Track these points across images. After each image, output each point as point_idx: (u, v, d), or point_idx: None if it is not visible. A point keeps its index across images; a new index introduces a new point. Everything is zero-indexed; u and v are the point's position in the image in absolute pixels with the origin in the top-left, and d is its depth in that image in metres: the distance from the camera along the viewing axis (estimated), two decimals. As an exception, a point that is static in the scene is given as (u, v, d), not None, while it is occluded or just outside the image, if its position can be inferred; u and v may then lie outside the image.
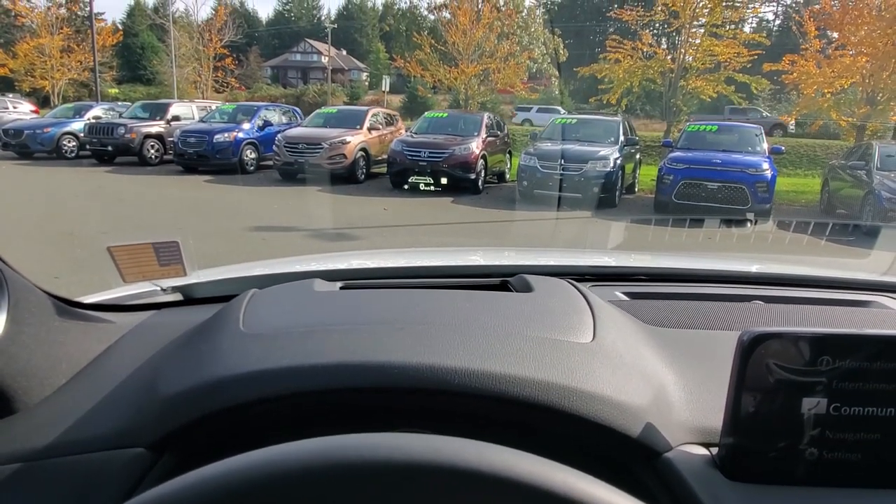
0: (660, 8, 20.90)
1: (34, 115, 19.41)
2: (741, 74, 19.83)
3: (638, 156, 13.59)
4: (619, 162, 11.07)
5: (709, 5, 19.88)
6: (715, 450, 0.66)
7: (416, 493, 0.43)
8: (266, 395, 0.67)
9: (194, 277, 1.20)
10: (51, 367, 0.79)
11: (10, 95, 24.98)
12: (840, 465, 0.62)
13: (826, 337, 0.61)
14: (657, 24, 26.66)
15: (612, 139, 11.73)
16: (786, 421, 0.62)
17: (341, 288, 1.03)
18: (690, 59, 20.44)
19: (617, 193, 11.07)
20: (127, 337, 0.93)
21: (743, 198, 9.84)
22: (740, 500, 0.61)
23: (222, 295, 1.07)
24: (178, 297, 1.16)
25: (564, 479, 0.43)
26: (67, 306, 0.90)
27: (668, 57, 21.44)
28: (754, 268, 1.43)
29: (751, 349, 0.61)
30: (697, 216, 8.96)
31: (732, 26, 21.52)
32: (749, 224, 9.44)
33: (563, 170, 10.77)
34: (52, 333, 0.82)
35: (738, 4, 21.80)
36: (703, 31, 20.40)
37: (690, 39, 20.70)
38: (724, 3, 20.17)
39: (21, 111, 19.94)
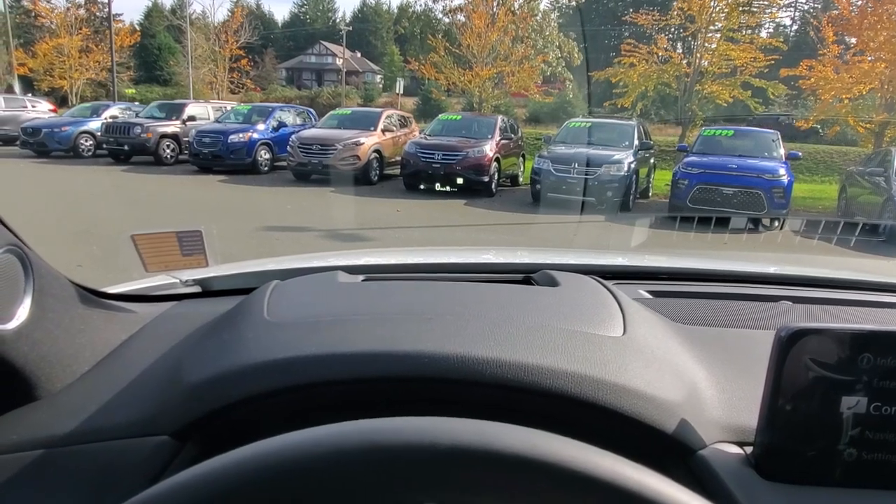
0: (676, 12, 20.85)
1: (52, 114, 19.59)
2: (758, 79, 19.71)
3: (652, 160, 13.53)
4: (633, 166, 11.03)
5: (725, 10, 19.78)
6: (749, 449, 0.64)
7: (463, 476, 0.42)
8: (292, 384, 0.66)
9: (213, 271, 1.20)
10: (74, 354, 0.79)
11: (29, 94, 25.30)
12: (880, 467, 0.61)
13: (868, 334, 0.59)
14: (673, 29, 26.58)
15: (627, 143, 11.70)
16: (824, 420, 0.60)
17: (364, 280, 1.03)
18: (706, 63, 20.36)
19: (631, 197, 11.03)
20: (149, 326, 0.93)
21: (759, 203, 9.75)
22: (777, 500, 0.59)
23: (242, 287, 1.07)
24: (197, 289, 1.16)
25: (612, 466, 0.42)
26: (91, 295, 0.90)
27: (684, 61, 21.37)
28: (780, 269, 1.41)
29: (789, 345, 0.59)
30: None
31: (749, 31, 21.41)
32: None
33: (577, 173, 10.74)
34: (75, 321, 0.82)
35: (754, 9, 21.66)
36: (719, 35, 20.32)
37: (706, 44, 20.61)
38: (740, 8, 20.06)
39: (39, 110, 20.12)
